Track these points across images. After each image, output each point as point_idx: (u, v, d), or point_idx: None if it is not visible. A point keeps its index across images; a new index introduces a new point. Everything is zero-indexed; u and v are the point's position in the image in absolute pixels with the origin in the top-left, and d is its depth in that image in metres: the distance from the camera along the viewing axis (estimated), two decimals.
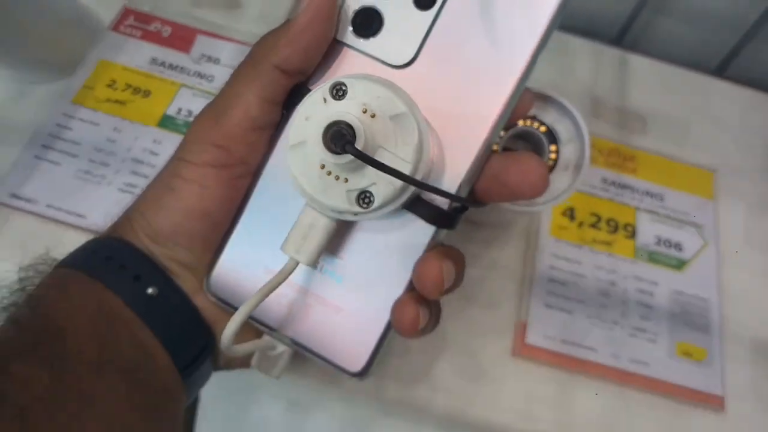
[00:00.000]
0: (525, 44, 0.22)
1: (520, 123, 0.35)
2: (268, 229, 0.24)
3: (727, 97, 0.49)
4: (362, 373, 0.24)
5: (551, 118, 0.35)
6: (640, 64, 0.49)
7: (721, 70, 0.52)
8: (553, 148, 0.35)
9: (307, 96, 0.21)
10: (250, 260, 0.24)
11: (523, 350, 0.36)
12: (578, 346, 0.36)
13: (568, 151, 0.35)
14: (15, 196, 0.36)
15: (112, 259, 0.23)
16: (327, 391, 0.35)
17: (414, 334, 0.23)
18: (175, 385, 0.24)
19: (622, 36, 0.52)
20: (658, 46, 0.52)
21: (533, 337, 0.36)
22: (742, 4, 0.48)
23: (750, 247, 0.42)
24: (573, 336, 0.37)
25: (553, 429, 0.35)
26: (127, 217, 0.25)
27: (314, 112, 0.21)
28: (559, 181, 0.34)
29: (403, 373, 0.35)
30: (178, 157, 0.24)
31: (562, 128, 0.35)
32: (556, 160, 0.35)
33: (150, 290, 0.23)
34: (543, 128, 0.35)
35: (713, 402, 0.36)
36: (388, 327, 0.24)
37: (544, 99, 0.35)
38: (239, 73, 0.24)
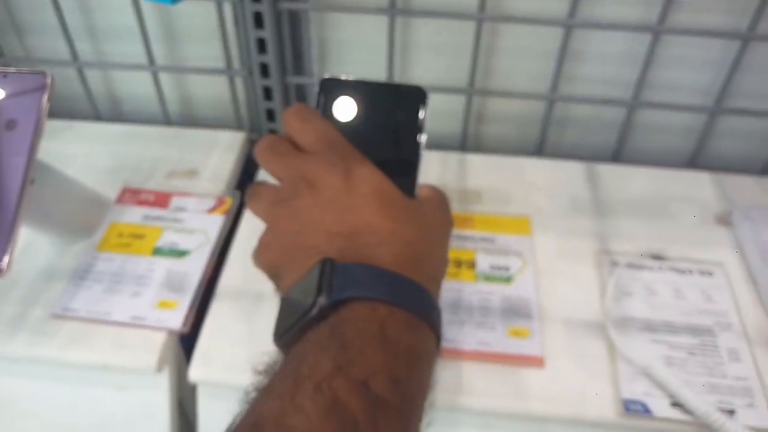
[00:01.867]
0: None
1: None
2: None
3: (539, 168, 0.71)
4: None
5: None
6: (475, 159, 0.72)
7: (538, 151, 0.75)
8: None
9: None
10: None
11: None
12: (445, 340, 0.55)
13: None
14: (66, 308, 0.57)
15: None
16: None
17: None
18: None
19: (464, 143, 0.75)
20: (488, 144, 0.75)
21: None
22: (535, 106, 0.71)
23: (557, 260, 0.61)
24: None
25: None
26: None
27: None
28: None
29: None
30: None
31: None
32: None
33: None
34: None
35: (536, 362, 0.54)
36: None
37: None
38: None
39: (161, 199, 0.66)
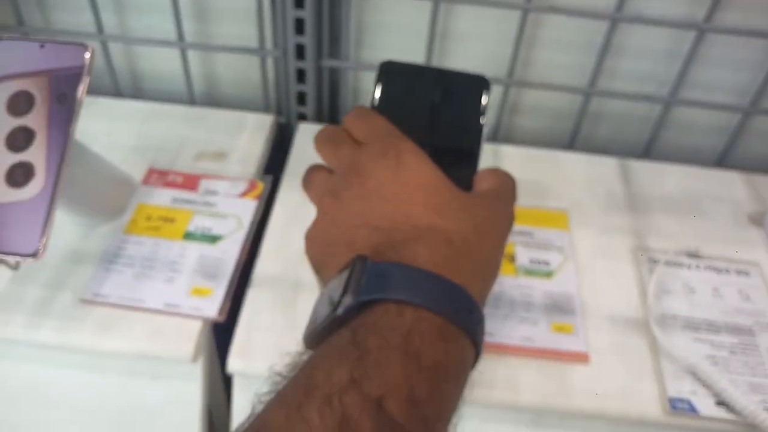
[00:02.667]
0: None
1: None
2: None
3: (574, 162, 0.70)
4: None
5: None
6: (509, 150, 0.71)
7: (570, 145, 0.74)
8: None
9: None
10: None
11: None
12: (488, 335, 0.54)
13: None
14: (97, 294, 0.55)
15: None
16: None
17: None
18: None
19: (496, 134, 0.74)
20: (519, 136, 0.74)
21: None
22: (571, 100, 0.70)
23: (596, 256, 0.61)
24: None
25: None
26: None
27: None
28: None
29: None
30: None
31: None
32: None
33: None
34: None
35: (581, 358, 0.53)
36: None
37: None
38: None
39: (190, 182, 0.64)
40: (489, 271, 0.35)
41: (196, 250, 0.58)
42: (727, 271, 0.61)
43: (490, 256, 0.35)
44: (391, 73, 0.45)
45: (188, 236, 0.59)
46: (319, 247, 0.35)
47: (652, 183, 0.69)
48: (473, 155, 0.40)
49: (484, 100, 0.43)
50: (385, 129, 0.37)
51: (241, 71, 0.73)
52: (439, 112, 0.43)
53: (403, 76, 0.45)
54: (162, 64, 0.74)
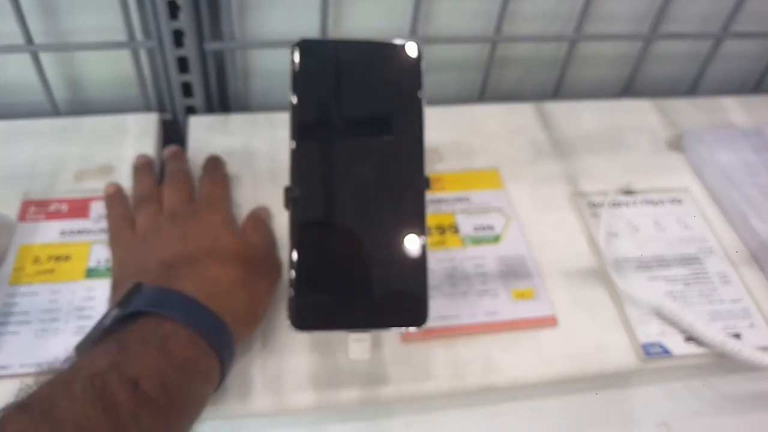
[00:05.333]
0: None
1: None
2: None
3: (490, 114, 0.67)
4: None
5: None
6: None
7: (480, 97, 0.71)
8: None
9: None
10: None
11: (407, 337, 0.49)
12: (445, 317, 0.50)
13: None
14: None
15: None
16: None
17: None
18: None
19: None
20: (430, 96, 0.70)
21: None
22: (476, 50, 0.66)
23: (536, 210, 0.58)
24: (440, 313, 0.50)
25: (447, 382, 0.48)
26: None
27: None
28: None
29: (297, 377, 0.47)
30: None
31: None
32: None
33: None
34: None
35: (549, 322, 0.51)
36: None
37: None
38: None
39: (78, 208, 0.55)
40: (252, 315, 0.44)
41: (105, 287, 0.50)
42: (662, 202, 0.60)
43: (252, 302, 0.44)
44: (309, 51, 0.40)
45: (92, 273, 0.51)
46: (125, 271, 0.46)
47: (569, 123, 0.68)
48: (417, 126, 0.41)
49: (419, 69, 0.41)
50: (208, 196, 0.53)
51: (110, 69, 0.63)
52: (370, 87, 0.41)
53: (323, 53, 0.41)
54: (12, 73, 0.62)
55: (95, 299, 0.49)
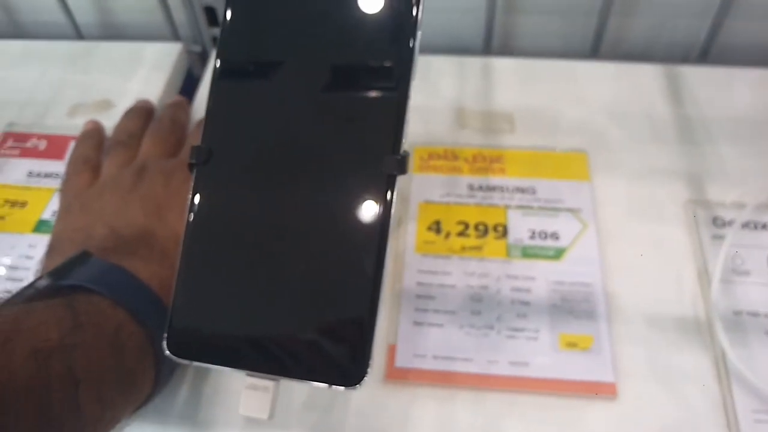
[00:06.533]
0: None
1: None
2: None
3: (594, 76, 0.49)
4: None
5: None
6: (503, 65, 0.50)
7: (594, 52, 0.52)
8: None
9: None
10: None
11: (393, 374, 0.35)
12: (451, 359, 0.36)
13: None
14: None
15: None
16: None
17: None
18: None
19: (489, 44, 0.53)
20: (522, 44, 0.52)
21: (402, 359, 0.36)
22: None
23: (631, 219, 0.41)
24: (445, 350, 0.36)
25: None
26: None
27: None
28: None
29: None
30: None
31: None
32: None
33: None
34: None
35: (604, 390, 0.34)
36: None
37: None
38: None
39: (56, 147, 0.47)
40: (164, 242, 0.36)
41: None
42: None
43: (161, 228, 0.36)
44: None
45: (41, 226, 0.42)
46: (66, 228, 0.37)
47: (712, 98, 0.47)
48: (404, 76, 0.27)
49: (415, 8, 0.28)
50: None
51: None
52: (351, 29, 0.29)
53: None
54: None
55: (33, 259, 0.41)
